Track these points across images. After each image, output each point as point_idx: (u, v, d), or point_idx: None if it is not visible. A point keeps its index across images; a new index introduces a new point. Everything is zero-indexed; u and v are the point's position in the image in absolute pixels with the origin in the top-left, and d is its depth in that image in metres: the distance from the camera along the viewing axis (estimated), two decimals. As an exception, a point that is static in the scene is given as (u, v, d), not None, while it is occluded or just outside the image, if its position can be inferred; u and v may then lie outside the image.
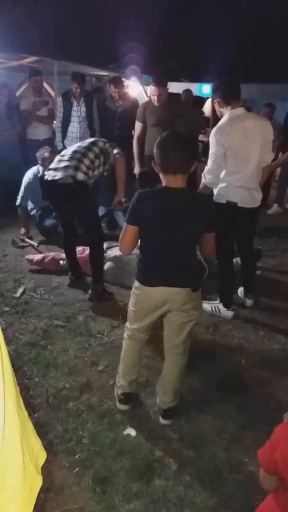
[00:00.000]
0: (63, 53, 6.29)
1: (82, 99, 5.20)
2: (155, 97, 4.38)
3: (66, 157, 3.37)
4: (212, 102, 9.80)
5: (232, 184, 3.09)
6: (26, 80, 7.20)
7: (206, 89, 9.69)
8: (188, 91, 7.12)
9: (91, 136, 5.37)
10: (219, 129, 3.02)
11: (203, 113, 8.32)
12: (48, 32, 5.81)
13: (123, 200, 3.79)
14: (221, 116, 3.13)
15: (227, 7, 6.29)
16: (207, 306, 3.46)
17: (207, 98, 9.92)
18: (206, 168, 3.15)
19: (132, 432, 2.29)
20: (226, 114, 3.07)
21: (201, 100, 9.60)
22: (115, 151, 3.59)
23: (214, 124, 7.64)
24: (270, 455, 1.29)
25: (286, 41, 6.52)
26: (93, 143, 3.55)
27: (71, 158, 3.33)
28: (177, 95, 7.89)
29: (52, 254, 4.11)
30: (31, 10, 5.28)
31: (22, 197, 4.73)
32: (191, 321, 2.22)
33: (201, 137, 7.80)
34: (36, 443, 0.59)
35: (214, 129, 3.08)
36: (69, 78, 5.31)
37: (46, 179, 3.28)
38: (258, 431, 2.30)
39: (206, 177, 3.15)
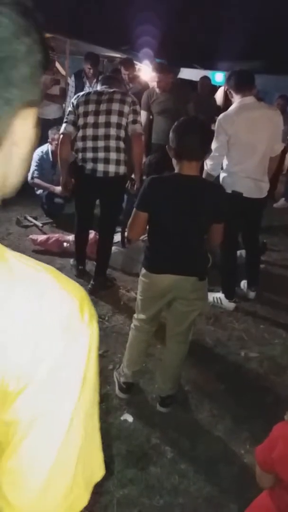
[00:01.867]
0: (76, 32, 6.19)
1: (95, 80, 5.12)
2: (159, 84, 4.32)
3: (101, 146, 3.08)
4: (225, 92, 9.69)
5: (238, 174, 3.06)
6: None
7: (219, 77, 9.56)
8: (206, 78, 7.00)
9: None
10: (225, 117, 3.01)
11: (215, 101, 8.20)
12: (62, 10, 5.71)
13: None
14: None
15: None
16: (209, 296, 3.44)
17: (219, 86, 9.80)
18: (209, 155, 3.12)
19: (129, 418, 2.29)
20: (236, 102, 3.04)
21: (215, 88, 9.47)
22: (137, 127, 3.19)
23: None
24: (268, 454, 1.29)
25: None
26: (120, 119, 3.09)
27: (108, 148, 3.08)
28: (189, 81, 7.79)
29: (56, 235, 4.08)
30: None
31: (34, 175, 4.67)
32: (195, 310, 2.20)
33: (211, 126, 7.71)
34: (97, 459, 0.56)
35: (220, 116, 3.07)
36: (80, 57, 5.24)
37: (87, 174, 3.15)
38: (255, 425, 2.31)
39: (207, 164, 3.12)
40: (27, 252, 3.96)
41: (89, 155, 3.09)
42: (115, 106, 3.04)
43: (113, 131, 3.05)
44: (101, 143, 3.06)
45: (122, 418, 2.29)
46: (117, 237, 4.07)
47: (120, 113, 3.05)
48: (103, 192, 3.26)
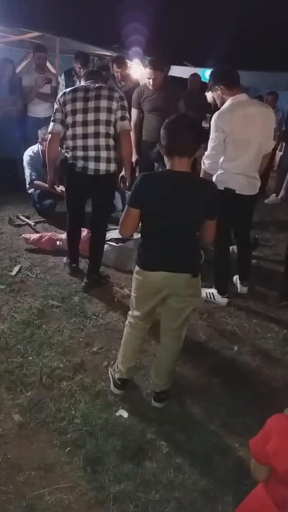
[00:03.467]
0: (66, 30, 6.14)
1: (85, 78, 5.11)
2: (151, 81, 4.28)
3: (91, 144, 3.06)
4: (210, 89, 9.68)
5: (231, 171, 3.06)
6: (27, 55, 7.06)
7: (209, 74, 9.55)
8: (195, 75, 7.01)
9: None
10: (220, 115, 2.98)
11: (206, 98, 8.21)
12: (51, 8, 5.67)
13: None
14: (222, 103, 3.08)
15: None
16: (202, 292, 3.47)
17: (210, 83, 9.79)
18: (206, 153, 3.11)
19: (124, 413, 2.30)
20: (229, 99, 3.02)
21: (205, 85, 9.48)
22: (126, 123, 3.15)
23: (215, 110, 7.54)
24: (262, 446, 1.30)
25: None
26: (109, 116, 3.05)
27: (99, 147, 3.07)
28: (180, 79, 7.78)
29: (49, 234, 4.08)
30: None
31: (32, 177, 4.67)
32: (189, 307, 2.22)
33: (202, 123, 7.72)
34: None
35: (216, 114, 3.04)
36: (71, 56, 5.20)
37: (77, 172, 3.14)
38: (249, 418, 2.33)
39: (205, 163, 3.11)
40: (20, 251, 3.96)
41: (80, 153, 3.09)
42: (103, 103, 3.01)
43: (102, 129, 3.04)
44: (91, 142, 3.05)
45: (117, 414, 2.30)
46: (110, 235, 4.08)
47: (109, 110, 3.03)
48: (94, 190, 3.25)
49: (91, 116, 3.01)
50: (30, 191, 4.76)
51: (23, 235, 4.07)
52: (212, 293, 3.46)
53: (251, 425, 2.23)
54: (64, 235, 3.89)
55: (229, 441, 2.21)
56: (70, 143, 3.12)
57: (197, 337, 3.02)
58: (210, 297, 3.46)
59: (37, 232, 4.32)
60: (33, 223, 4.57)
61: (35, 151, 4.68)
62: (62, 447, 2.08)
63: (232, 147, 3.00)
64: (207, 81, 10.49)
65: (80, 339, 2.84)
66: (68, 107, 3.04)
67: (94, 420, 2.22)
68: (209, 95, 9.47)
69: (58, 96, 3.18)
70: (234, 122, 2.93)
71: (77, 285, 3.49)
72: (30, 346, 2.70)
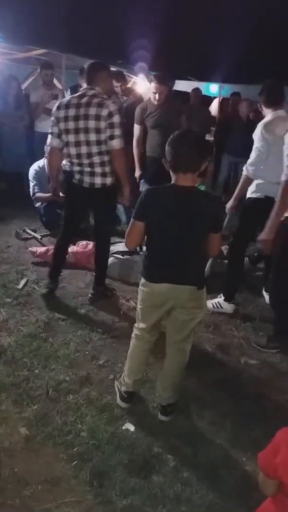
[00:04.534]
0: (71, 46, 6.25)
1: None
2: (156, 95, 4.31)
3: (86, 163, 3.07)
4: (220, 102, 9.74)
5: (271, 180, 3.11)
6: (33, 72, 7.20)
7: (213, 88, 9.65)
8: (197, 90, 7.10)
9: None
10: (266, 125, 3.12)
11: (210, 112, 8.29)
12: (57, 25, 5.78)
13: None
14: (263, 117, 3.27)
15: (237, 5, 6.27)
16: (208, 303, 3.47)
17: (215, 97, 9.90)
18: (249, 161, 3.26)
19: (130, 427, 2.30)
20: (270, 115, 3.19)
21: (209, 99, 9.56)
22: (114, 142, 3.02)
23: (220, 124, 7.61)
24: (271, 459, 1.29)
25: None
26: (98, 136, 2.99)
27: (93, 164, 3.07)
28: (184, 93, 7.87)
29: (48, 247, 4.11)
30: (40, 2, 5.25)
31: (34, 190, 4.73)
32: (194, 319, 2.22)
33: (207, 136, 7.78)
34: None
35: (261, 124, 3.17)
36: (77, 72, 5.29)
37: (74, 183, 3.16)
38: (256, 431, 2.31)
39: (248, 169, 3.23)
40: (26, 264, 3.99)
41: (76, 168, 3.11)
42: (91, 124, 2.95)
43: (94, 149, 3.01)
44: (85, 160, 3.05)
45: (123, 427, 2.29)
46: (116, 247, 4.10)
47: (97, 130, 2.96)
48: (92, 203, 3.27)
49: (82, 137, 2.99)
50: (36, 205, 4.82)
51: (30, 249, 4.11)
52: (218, 302, 3.47)
53: (258, 439, 2.21)
54: (70, 248, 3.91)
55: (236, 455, 2.20)
56: (66, 159, 3.17)
57: (203, 350, 3.01)
58: (217, 307, 3.46)
59: (43, 245, 4.35)
60: (39, 237, 4.61)
61: (40, 166, 4.75)
62: (68, 461, 2.07)
63: (274, 157, 3.05)
64: (209, 95, 10.60)
65: (86, 352, 2.84)
66: (61, 125, 3.04)
67: (100, 434, 2.22)
68: (213, 109, 9.58)
69: (54, 109, 3.12)
70: (277, 134, 3.02)
71: (84, 298, 3.51)
72: (37, 359, 2.71)
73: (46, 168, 4.66)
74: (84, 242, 4.10)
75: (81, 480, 1.99)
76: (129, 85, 7.82)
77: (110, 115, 2.93)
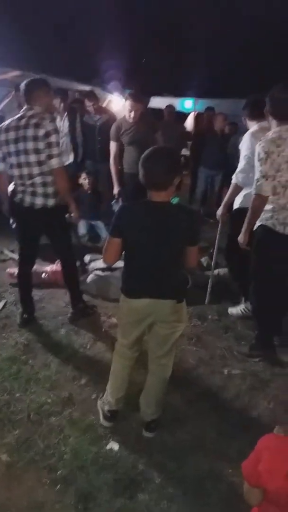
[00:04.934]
0: (47, 68, 6.34)
1: (65, 114, 5.24)
2: (131, 113, 4.36)
3: (28, 183, 3.03)
4: (195, 117, 9.90)
5: None
6: (9, 94, 7.22)
7: (188, 104, 9.85)
8: (170, 106, 7.23)
9: (74, 150, 5.40)
10: (254, 134, 3.19)
11: (185, 127, 8.43)
12: (32, 47, 5.86)
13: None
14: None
15: (209, 24, 6.46)
16: (235, 311, 3.65)
17: (189, 112, 10.08)
18: (239, 168, 3.33)
19: (115, 446, 2.27)
20: (255, 125, 3.28)
21: (184, 115, 9.74)
22: (52, 162, 2.96)
23: (196, 138, 7.75)
24: (253, 468, 1.29)
25: (267, 57, 6.73)
26: (38, 157, 2.95)
27: (34, 185, 3.02)
28: (159, 110, 8.00)
29: (34, 267, 4.07)
30: (16, 26, 5.34)
31: None
32: (175, 332, 2.22)
33: (183, 151, 7.90)
34: None
35: (250, 133, 3.26)
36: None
37: (16, 202, 3.11)
38: (241, 442, 2.30)
39: (238, 177, 3.32)
40: (4, 286, 3.95)
41: (19, 188, 3.08)
42: (30, 145, 2.91)
43: (36, 170, 2.98)
44: (28, 181, 3.02)
45: (107, 447, 2.26)
46: (96, 264, 4.10)
47: (37, 151, 2.92)
48: (35, 224, 3.20)
49: (22, 158, 2.97)
50: (14, 225, 4.78)
51: (8, 270, 4.07)
52: (245, 307, 3.56)
53: (244, 449, 2.17)
54: (49, 267, 3.89)
55: (221, 467, 2.18)
56: (11, 180, 3.15)
57: (186, 363, 3.01)
58: (246, 311, 3.54)
59: (22, 266, 4.30)
60: (17, 257, 4.56)
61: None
62: (52, 485, 2.03)
63: None
64: (184, 111, 10.80)
65: (68, 373, 2.81)
66: (4, 149, 3.02)
67: (84, 455, 2.18)
68: (188, 124, 9.74)
69: None
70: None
71: (64, 317, 3.48)
72: (17, 382, 2.67)
73: None
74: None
75: (65, 504, 1.95)
76: (105, 103, 7.95)
77: (47, 135, 2.89)
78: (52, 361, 2.90)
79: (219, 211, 3.57)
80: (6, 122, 3.05)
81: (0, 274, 4.19)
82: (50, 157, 2.94)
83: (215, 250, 3.96)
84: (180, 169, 2.16)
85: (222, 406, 2.61)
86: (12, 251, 4.70)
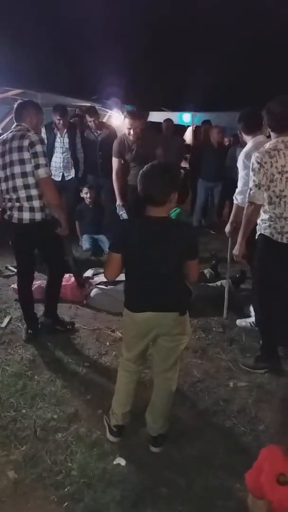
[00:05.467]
0: (46, 85, 6.43)
1: (65, 130, 5.31)
2: (131, 131, 4.42)
3: (14, 198, 3.05)
4: (193, 131, 9.98)
5: None
6: (10, 112, 7.33)
7: (186, 117, 9.96)
8: (168, 120, 7.31)
9: (75, 166, 5.46)
10: (247, 155, 3.21)
11: (184, 140, 8.51)
12: (32, 66, 5.95)
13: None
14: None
15: (206, 39, 6.55)
16: (242, 322, 3.64)
17: (188, 126, 10.19)
18: (237, 190, 3.40)
19: (122, 461, 2.25)
20: (249, 142, 3.32)
21: (182, 128, 9.84)
22: (40, 172, 2.97)
23: (194, 151, 7.82)
24: (256, 478, 1.30)
25: (260, 72, 6.82)
26: (23, 168, 2.97)
27: (19, 199, 3.04)
28: (158, 123, 8.10)
29: (38, 282, 4.08)
30: (16, 45, 5.43)
31: None
32: (179, 345, 2.23)
33: (182, 164, 7.97)
34: None
35: (243, 153, 3.31)
36: (51, 109, 5.42)
37: (6, 219, 3.13)
38: (249, 456, 2.27)
39: (237, 198, 3.39)
40: (9, 302, 3.96)
41: (8, 204, 3.10)
42: (15, 156, 2.95)
43: (19, 182, 2.99)
44: (13, 195, 3.04)
45: (114, 462, 2.25)
46: (100, 278, 4.11)
47: (21, 162, 2.95)
48: (25, 239, 3.21)
49: (8, 171, 3.00)
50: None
51: (12, 286, 4.08)
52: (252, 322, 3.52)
53: (251, 464, 2.17)
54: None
55: (230, 483, 2.16)
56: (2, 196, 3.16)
57: (191, 376, 3.00)
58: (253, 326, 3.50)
59: (26, 281, 4.32)
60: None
61: None
62: (59, 503, 2.01)
63: None
64: (183, 124, 10.91)
65: (73, 388, 2.80)
66: None
67: (91, 471, 2.17)
68: (187, 137, 9.83)
69: None
70: None
71: (68, 331, 3.47)
72: (23, 398, 2.67)
73: None
74: (67, 275, 4.10)
75: (73, 522, 1.93)
76: (105, 119, 8.04)
77: (32, 144, 2.92)
78: (58, 377, 2.90)
79: (227, 229, 3.60)
80: None
81: (4, 290, 4.21)
82: (37, 166, 2.95)
83: (228, 263, 3.88)
84: (176, 185, 2.18)
85: (229, 420, 2.60)
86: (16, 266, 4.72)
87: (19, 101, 3.15)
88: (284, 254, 2.83)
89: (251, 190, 2.75)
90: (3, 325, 3.53)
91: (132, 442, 2.39)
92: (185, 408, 2.67)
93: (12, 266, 4.73)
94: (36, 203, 3.05)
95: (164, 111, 8.91)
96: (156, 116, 8.82)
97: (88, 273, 4.38)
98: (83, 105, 8.17)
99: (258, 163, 2.69)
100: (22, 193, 3.02)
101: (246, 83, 7.20)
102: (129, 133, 4.45)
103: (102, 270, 4.00)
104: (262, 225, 2.85)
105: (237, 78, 7.32)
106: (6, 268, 4.72)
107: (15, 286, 4.05)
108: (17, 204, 3.06)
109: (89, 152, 5.48)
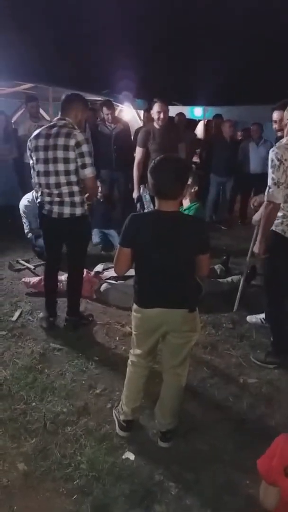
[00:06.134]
0: (57, 79, 6.44)
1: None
2: (161, 114, 4.43)
3: (55, 193, 3.09)
4: (205, 125, 9.93)
5: None
6: (21, 106, 7.36)
7: (197, 111, 9.91)
8: (181, 114, 7.28)
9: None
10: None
11: (196, 135, 8.47)
12: (43, 60, 5.97)
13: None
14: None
15: (217, 34, 6.50)
16: (252, 318, 3.62)
17: (199, 120, 10.13)
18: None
19: (131, 456, 2.26)
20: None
21: (193, 122, 9.79)
22: (87, 171, 3.06)
23: (205, 145, 7.79)
24: (268, 464, 1.31)
25: (271, 65, 6.76)
26: (67, 166, 3.02)
27: (61, 195, 3.09)
28: (170, 118, 8.10)
29: (39, 278, 4.10)
30: (27, 39, 5.44)
31: (26, 230, 4.86)
32: (189, 342, 2.22)
33: (194, 158, 7.94)
34: None
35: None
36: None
37: (44, 214, 3.19)
38: (258, 452, 2.26)
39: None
40: (20, 295, 3.99)
41: (46, 199, 3.13)
42: (60, 154, 2.97)
43: (63, 179, 3.03)
44: (54, 191, 3.07)
45: (123, 456, 2.25)
46: (110, 273, 4.12)
47: (66, 160, 2.98)
48: (62, 233, 3.25)
49: (51, 167, 3.02)
50: (29, 235, 4.86)
51: (23, 279, 4.11)
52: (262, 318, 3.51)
53: (261, 460, 2.17)
54: (64, 276, 3.91)
55: (239, 478, 2.15)
56: (38, 189, 3.18)
57: (201, 372, 2.99)
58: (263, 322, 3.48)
59: (37, 275, 4.35)
60: (33, 267, 4.62)
61: (30, 200, 4.80)
62: (68, 495, 2.03)
63: None
64: (194, 118, 10.85)
65: (83, 382, 2.82)
66: (33, 155, 3.09)
67: (100, 465, 2.18)
68: (199, 131, 9.77)
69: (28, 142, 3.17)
70: None
71: (80, 326, 3.49)
72: (33, 391, 2.68)
73: (35, 200, 4.73)
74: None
75: (82, 515, 1.94)
76: (116, 113, 8.03)
77: (78, 144, 2.96)
78: (68, 370, 2.92)
79: (256, 217, 3.49)
80: (37, 130, 3.15)
81: (15, 284, 4.24)
82: (83, 166, 3.02)
83: (248, 256, 3.87)
84: (187, 180, 2.17)
85: (239, 415, 2.59)
86: (27, 261, 4.75)
87: (66, 93, 3.16)
88: None
89: (269, 188, 2.68)
90: (14, 318, 3.55)
91: (141, 437, 2.40)
92: (194, 403, 2.66)
93: (23, 260, 4.77)
94: (77, 199, 3.12)
95: (176, 105, 8.86)
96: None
97: (98, 267, 4.38)
98: (94, 99, 8.17)
99: (278, 159, 2.61)
100: (65, 189, 3.07)
101: (258, 77, 7.14)
102: (158, 117, 4.46)
103: (112, 265, 4.01)
104: (275, 221, 2.81)
105: (249, 72, 7.26)
106: (17, 262, 4.75)
107: (26, 280, 4.09)
108: (58, 199, 3.10)
109: (103, 146, 5.46)
